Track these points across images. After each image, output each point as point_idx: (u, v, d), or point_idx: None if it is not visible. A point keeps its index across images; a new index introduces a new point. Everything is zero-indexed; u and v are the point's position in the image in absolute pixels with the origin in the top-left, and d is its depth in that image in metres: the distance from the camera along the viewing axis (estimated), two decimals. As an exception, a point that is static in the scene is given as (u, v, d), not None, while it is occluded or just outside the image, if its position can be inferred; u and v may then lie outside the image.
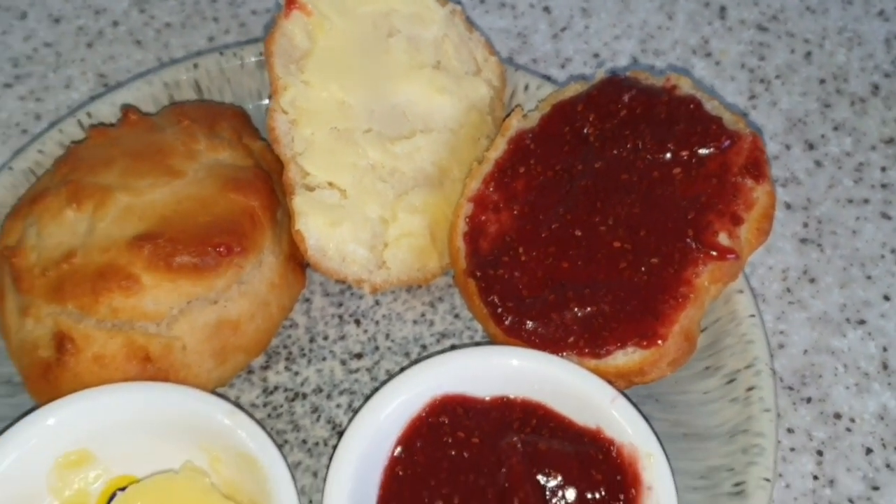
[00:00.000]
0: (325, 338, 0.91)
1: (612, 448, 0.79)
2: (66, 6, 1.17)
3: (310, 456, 0.85)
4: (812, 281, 0.97)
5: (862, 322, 0.95)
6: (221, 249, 0.83)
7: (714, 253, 0.81)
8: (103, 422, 0.81)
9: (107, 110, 0.98)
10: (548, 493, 0.78)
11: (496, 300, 0.84)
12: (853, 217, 1.01)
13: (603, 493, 0.77)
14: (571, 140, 0.90)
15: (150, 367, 0.83)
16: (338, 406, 0.87)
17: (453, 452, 0.81)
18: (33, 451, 0.80)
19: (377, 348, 0.91)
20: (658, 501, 0.76)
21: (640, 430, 0.79)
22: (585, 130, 0.89)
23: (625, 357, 0.81)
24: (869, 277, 0.97)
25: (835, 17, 1.16)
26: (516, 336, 0.84)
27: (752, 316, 0.85)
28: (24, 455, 0.79)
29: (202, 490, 0.80)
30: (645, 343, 0.80)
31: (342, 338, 0.92)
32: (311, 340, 0.92)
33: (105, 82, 1.09)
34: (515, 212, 0.88)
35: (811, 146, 1.06)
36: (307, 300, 0.94)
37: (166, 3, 1.16)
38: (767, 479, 0.78)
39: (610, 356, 0.81)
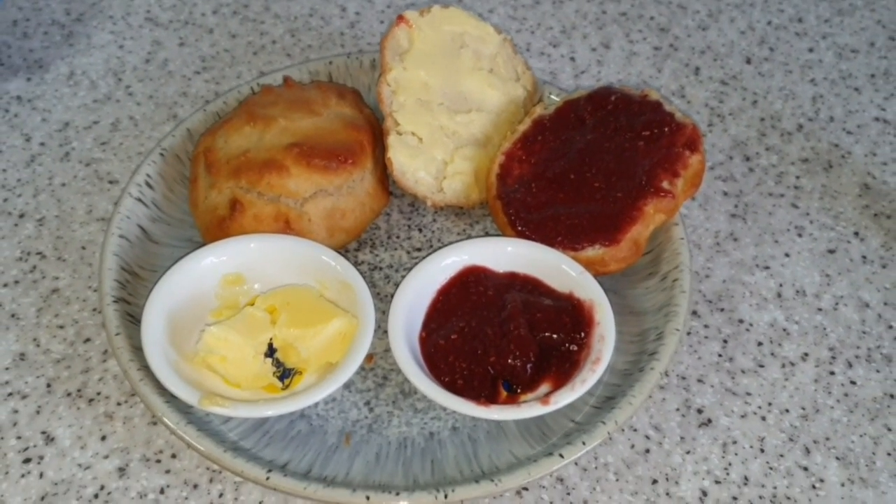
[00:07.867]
0: (398, 237, 1.19)
1: (577, 303, 1.04)
2: (241, 28, 1.48)
3: (381, 301, 1.12)
4: (735, 240, 1.22)
5: (767, 268, 1.20)
6: (341, 159, 1.10)
7: (658, 193, 1.08)
8: (254, 256, 1.06)
9: (269, 81, 1.26)
10: (533, 326, 1.02)
11: (513, 213, 1.10)
12: (771, 205, 1.26)
13: (568, 328, 1.02)
14: (574, 122, 1.15)
15: (288, 227, 1.08)
16: (402, 276, 1.10)
17: (474, 297, 1.06)
18: (208, 268, 1.05)
19: (431, 247, 1.18)
20: (602, 331, 1.00)
21: (596, 292, 1.03)
22: (584, 116, 1.15)
23: (592, 251, 1.07)
24: (776, 242, 1.22)
25: (778, 79, 1.43)
26: (524, 236, 1.09)
27: (682, 239, 1.11)
28: (202, 269, 1.05)
29: (315, 297, 1.05)
30: (606, 243, 1.07)
31: (409, 238, 1.19)
32: (388, 238, 1.19)
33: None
34: (532, 163, 1.13)
35: (748, 158, 1.32)
36: (388, 213, 1.21)
37: (310, 33, 1.46)
38: (678, 329, 1.03)
39: (583, 250, 1.07)
